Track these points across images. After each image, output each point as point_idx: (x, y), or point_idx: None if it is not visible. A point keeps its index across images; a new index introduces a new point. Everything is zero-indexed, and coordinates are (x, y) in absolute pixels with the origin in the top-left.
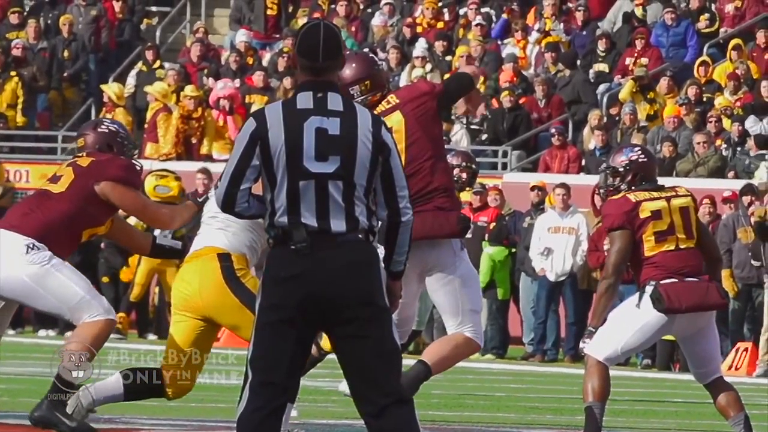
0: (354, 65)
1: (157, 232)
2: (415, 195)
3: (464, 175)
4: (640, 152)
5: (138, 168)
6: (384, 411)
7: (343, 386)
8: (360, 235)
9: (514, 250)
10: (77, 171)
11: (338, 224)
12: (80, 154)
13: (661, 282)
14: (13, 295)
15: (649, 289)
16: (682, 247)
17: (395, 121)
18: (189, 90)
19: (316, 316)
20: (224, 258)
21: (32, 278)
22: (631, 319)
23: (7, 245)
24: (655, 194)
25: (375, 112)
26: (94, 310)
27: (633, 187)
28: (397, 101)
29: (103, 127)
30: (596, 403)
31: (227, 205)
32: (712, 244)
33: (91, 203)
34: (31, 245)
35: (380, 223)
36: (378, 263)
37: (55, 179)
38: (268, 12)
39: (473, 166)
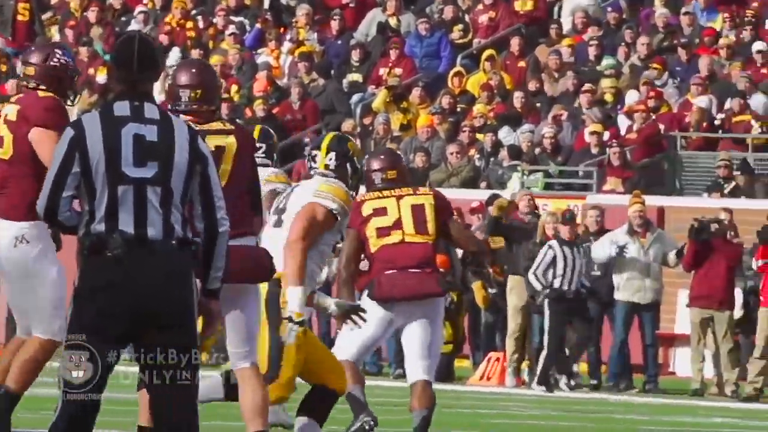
0: (193, 70)
1: None
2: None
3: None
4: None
5: None
6: None
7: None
8: (174, 242)
9: None
10: None
11: (154, 231)
12: None
13: (385, 273)
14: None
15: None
16: (407, 241)
17: (229, 142)
18: None
19: (130, 326)
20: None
21: (12, 272)
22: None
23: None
24: (386, 193)
25: (208, 127)
26: (48, 327)
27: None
28: (233, 128)
29: None
30: (355, 386)
31: (49, 214)
32: (463, 240)
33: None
34: (20, 238)
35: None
36: (192, 275)
37: None
38: (19, 18)
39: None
